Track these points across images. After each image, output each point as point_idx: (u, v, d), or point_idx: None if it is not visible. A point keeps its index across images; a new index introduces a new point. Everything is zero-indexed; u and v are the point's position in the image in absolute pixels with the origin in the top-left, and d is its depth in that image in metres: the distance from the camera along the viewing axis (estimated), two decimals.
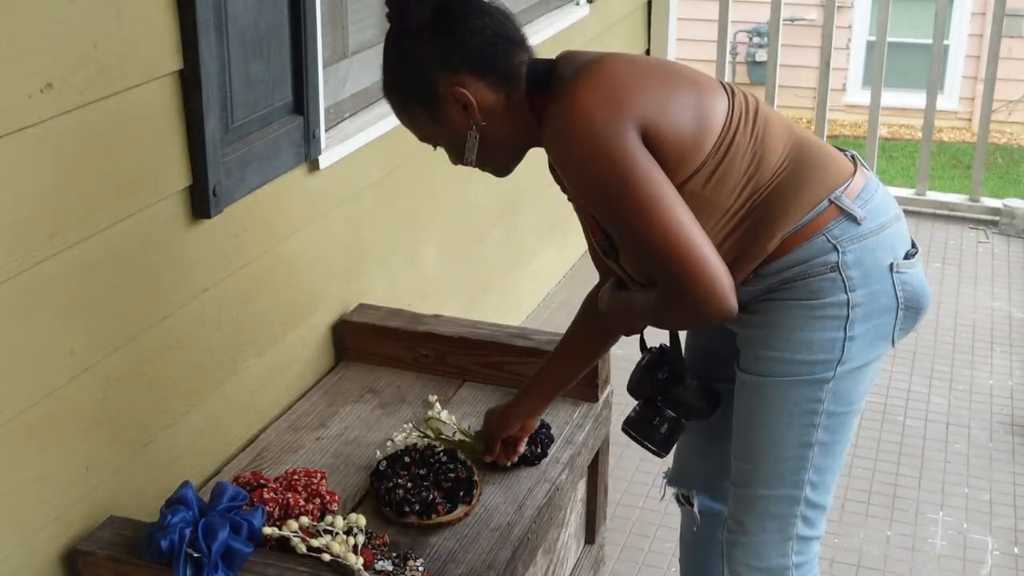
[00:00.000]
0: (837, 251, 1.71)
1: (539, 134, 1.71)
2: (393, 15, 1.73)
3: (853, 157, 1.83)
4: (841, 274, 1.71)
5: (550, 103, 1.68)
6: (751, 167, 1.70)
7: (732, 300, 1.62)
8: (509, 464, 2.15)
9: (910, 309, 1.78)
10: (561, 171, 1.68)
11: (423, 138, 1.80)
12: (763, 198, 1.71)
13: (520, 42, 1.74)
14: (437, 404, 2.29)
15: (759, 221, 1.71)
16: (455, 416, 2.28)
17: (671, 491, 2.16)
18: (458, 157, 1.79)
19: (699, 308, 1.62)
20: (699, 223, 1.63)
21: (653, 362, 1.91)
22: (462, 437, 2.19)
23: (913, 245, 1.81)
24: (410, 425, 2.24)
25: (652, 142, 1.63)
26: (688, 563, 2.22)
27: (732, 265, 1.71)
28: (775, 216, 1.71)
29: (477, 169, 1.82)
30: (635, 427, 1.90)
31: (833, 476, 1.84)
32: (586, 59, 1.70)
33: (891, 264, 1.74)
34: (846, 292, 1.72)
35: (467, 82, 1.69)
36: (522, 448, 2.15)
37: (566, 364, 2.07)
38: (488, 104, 1.71)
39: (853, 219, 1.72)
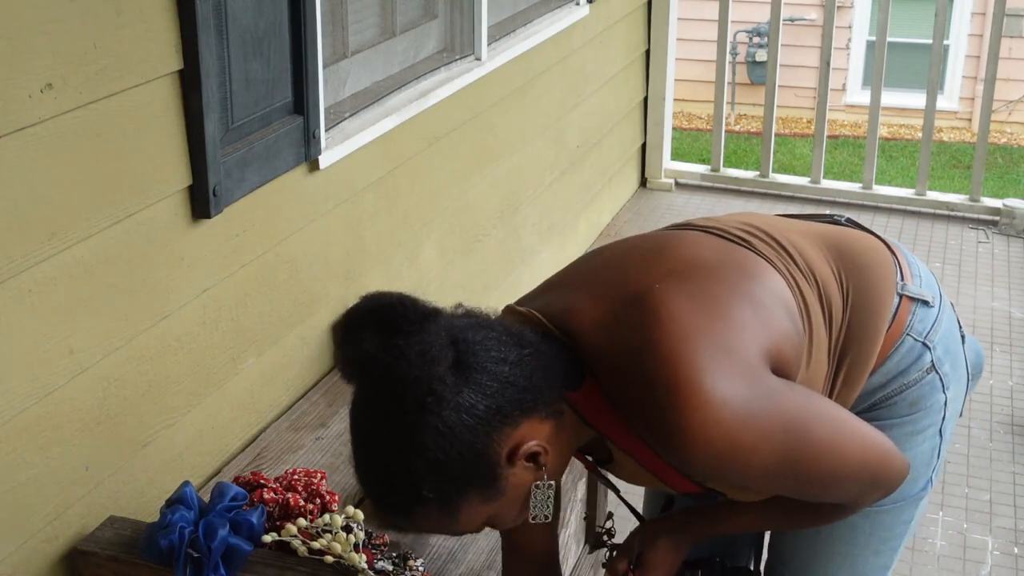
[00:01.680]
0: (928, 348, 1.50)
1: (588, 429, 1.37)
2: (409, 399, 1.21)
3: (876, 235, 1.61)
4: (938, 372, 1.51)
5: (621, 397, 1.31)
6: (826, 313, 1.45)
7: (904, 477, 1.42)
8: None
9: (975, 377, 1.63)
10: (733, 476, 1.33)
11: (463, 531, 1.32)
12: (845, 336, 1.46)
13: (531, 344, 1.31)
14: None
15: (854, 353, 1.47)
16: None
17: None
18: (508, 520, 1.35)
19: (892, 484, 1.42)
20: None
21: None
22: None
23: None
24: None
25: (779, 367, 1.34)
26: None
27: (846, 401, 1.50)
28: (865, 340, 1.47)
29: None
30: None
31: None
32: (632, 318, 1.30)
33: (962, 335, 1.57)
34: (943, 391, 1.52)
35: (530, 429, 1.28)
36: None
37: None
38: (549, 438, 1.31)
39: (926, 304, 1.51)
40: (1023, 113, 9.61)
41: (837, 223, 1.61)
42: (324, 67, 2.41)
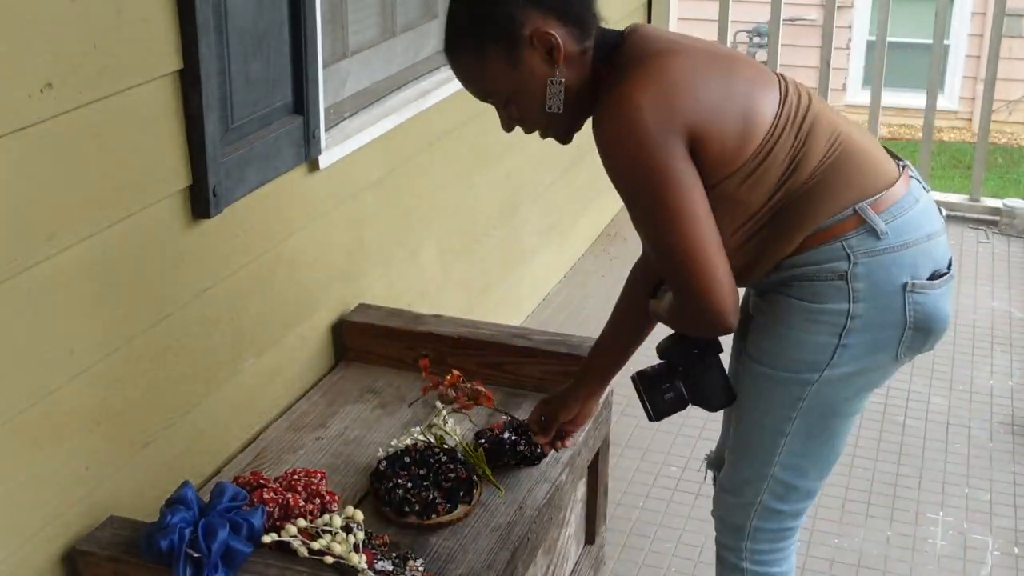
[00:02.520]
0: (849, 261, 1.71)
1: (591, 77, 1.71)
2: None
3: (903, 166, 1.81)
4: (848, 284, 1.71)
5: (609, 82, 1.66)
6: (787, 171, 1.70)
7: (732, 319, 1.66)
8: (557, 451, 2.16)
9: (919, 330, 1.77)
10: (603, 161, 1.66)
11: (489, 90, 1.71)
12: (792, 201, 1.71)
13: (596, 3, 1.73)
14: (444, 413, 2.26)
15: (784, 223, 1.72)
16: (454, 422, 2.27)
17: (710, 474, 2.20)
18: (528, 114, 1.72)
19: (702, 319, 1.68)
20: (723, 227, 1.66)
21: (693, 338, 1.87)
22: (464, 450, 2.17)
23: (949, 266, 1.80)
24: (418, 430, 2.23)
25: (696, 145, 1.63)
26: None
27: (752, 264, 1.76)
28: (800, 219, 1.71)
29: (535, 135, 1.78)
30: (644, 383, 1.89)
31: (813, 462, 1.88)
32: (650, 49, 1.67)
33: (905, 284, 1.73)
34: (849, 302, 1.72)
35: (553, 24, 1.65)
36: (578, 436, 2.14)
37: (619, 339, 2.03)
38: (569, 54, 1.67)
39: (874, 233, 1.71)
40: (1023, 113, 9.62)
41: (896, 158, 1.84)
42: (324, 67, 2.41)
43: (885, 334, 1.76)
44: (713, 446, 2.28)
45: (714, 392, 1.88)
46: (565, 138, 1.77)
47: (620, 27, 1.79)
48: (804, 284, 1.73)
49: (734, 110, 1.66)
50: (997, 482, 3.09)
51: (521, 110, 1.72)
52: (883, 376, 1.84)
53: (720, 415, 2.11)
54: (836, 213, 1.70)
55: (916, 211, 1.76)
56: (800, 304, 1.74)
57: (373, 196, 2.72)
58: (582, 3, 1.69)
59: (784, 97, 1.73)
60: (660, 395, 1.88)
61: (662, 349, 1.90)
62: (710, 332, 1.76)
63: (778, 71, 1.82)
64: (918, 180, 1.83)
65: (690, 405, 1.90)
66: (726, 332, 1.71)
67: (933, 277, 1.77)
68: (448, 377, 2.22)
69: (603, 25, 1.75)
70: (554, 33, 1.64)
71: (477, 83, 1.72)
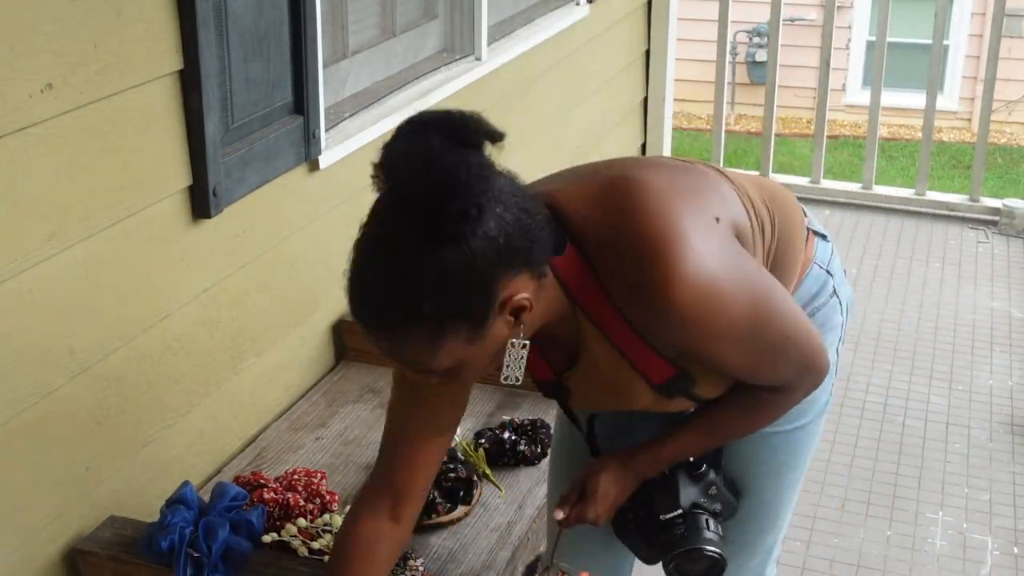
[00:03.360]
0: (830, 275, 1.65)
1: (567, 303, 1.40)
2: (442, 219, 1.22)
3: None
4: (838, 297, 1.66)
5: (599, 269, 1.37)
6: (762, 240, 1.54)
7: (827, 370, 1.53)
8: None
9: (849, 311, 1.72)
10: (705, 335, 1.37)
11: (428, 367, 1.33)
12: (772, 261, 1.56)
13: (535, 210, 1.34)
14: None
15: (780, 269, 1.58)
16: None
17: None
18: (470, 374, 1.39)
19: (810, 389, 1.53)
20: None
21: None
22: (463, 450, 2.16)
23: None
24: None
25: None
26: None
27: None
28: (791, 264, 1.60)
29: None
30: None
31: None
32: (614, 196, 1.38)
33: (845, 270, 1.70)
34: (841, 314, 1.67)
35: (525, 283, 1.30)
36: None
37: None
38: (535, 299, 1.33)
39: (824, 237, 1.68)
40: (1023, 113, 9.62)
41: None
42: (324, 67, 2.41)
43: (844, 329, 1.71)
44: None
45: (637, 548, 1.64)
46: (519, 382, 1.39)
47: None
48: (813, 319, 1.61)
49: (731, 201, 1.50)
50: (997, 482, 3.09)
51: (466, 375, 1.38)
52: None
53: None
54: (802, 242, 1.61)
55: None
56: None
57: (373, 196, 2.71)
58: (540, 235, 1.31)
59: (726, 178, 1.54)
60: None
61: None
62: (813, 391, 1.55)
63: (691, 160, 1.62)
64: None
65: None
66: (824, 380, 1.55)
67: None
68: None
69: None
70: (527, 295, 1.30)
71: (415, 359, 1.33)
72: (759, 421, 1.57)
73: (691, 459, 1.60)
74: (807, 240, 1.63)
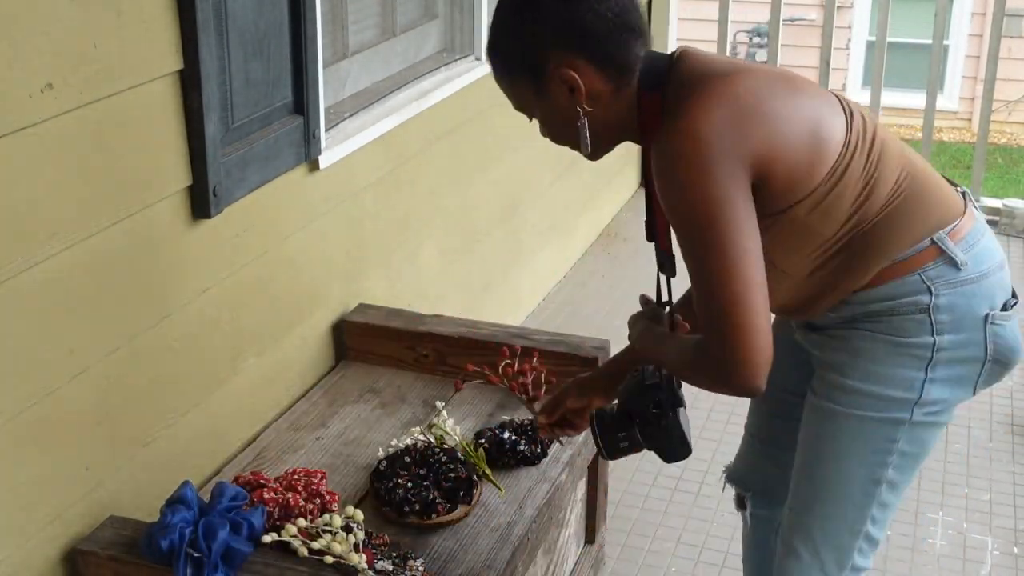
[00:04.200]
0: (931, 293, 1.66)
1: (637, 131, 1.65)
2: None
3: (964, 195, 1.76)
4: (931, 317, 1.66)
5: (664, 109, 1.60)
6: (861, 197, 1.63)
7: (760, 381, 1.52)
8: (549, 442, 2.16)
9: (998, 362, 1.73)
10: (658, 188, 1.57)
11: (520, 107, 1.70)
12: (866, 230, 1.65)
13: (641, 33, 1.63)
14: (444, 412, 2.28)
15: (857, 253, 1.66)
16: (454, 422, 2.28)
17: (731, 489, 2.13)
18: (559, 138, 1.70)
19: (729, 373, 1.52)
20: (792, 255, 1.65)
21: (655, 386, 1.77)
22: (464, 450, 2.17)
23: (1014, 295, 1.75)
24: (418, 429, 2.24)
25: (764, 172, 1.55)
26: (748, 566, 2.19)
27: (820, 295, 1.70)
28: (874, 251, 1.65)
29: (563, 145, 1.74)
30: (601, 426, 1.78)
31: (894, 512, 1.82)
32: (711, 71, 1.60)
33: (987, 315, 1.69)
34: (933, 335, 1.67)
35: (579, 66, 1.59)
36: (575, 432, 1.96)
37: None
38: (596, 92, 1.61)
39: (954, 263, 1.66)
40: (1023, 113, 9.62)
41: (953, 184, 1.79)
42: (324, 67, 2.41)
43: (967, 368, 1.71)
44: (728, 462, 2.16)
45: (671, 447, 1.75)
46: (593, 158, 1.73)
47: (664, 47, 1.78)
48: (884, 319, 1.67)
49: (803, 132, 1.59)
50: (997, 482, 3.09)
51: (550, 133, 1.71)
52: (952, 414, 1.78)
53: (724, 409, 2.08)
54: (913, 244, 1.65)
55: (987, 239, 1.72)
56: (883, 338, 1.68)
57: (373, 196, 2.72)
58: (617, 44, 1.60)
59: (851, 120, 1.65)
60: (616, 442, 1.77)
61: (623, 398, 1.79)
62: (730, 389, 1.55)
63: (837, 92, 1.75)
64: (976, 206, 1.78)
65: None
66: (749, 393, 1.54)
67: (1005, 307, 1.72)
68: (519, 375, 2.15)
69: (648, 47, 1.66)
70: (576, 75, 1.59)
71: (509, 97, 1.70)
72: (677, 359, 1.66)
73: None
74: (924, 250, 1.65)
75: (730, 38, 5.82)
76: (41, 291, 1.72)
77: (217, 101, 2.01)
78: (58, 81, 1.68)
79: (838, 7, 5.28)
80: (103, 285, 1.85)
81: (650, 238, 1.76)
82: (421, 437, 2.19)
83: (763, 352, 1.50)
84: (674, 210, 1.55)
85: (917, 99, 6.10)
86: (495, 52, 1.67)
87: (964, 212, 1.70)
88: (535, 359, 2.17)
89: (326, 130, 2.46)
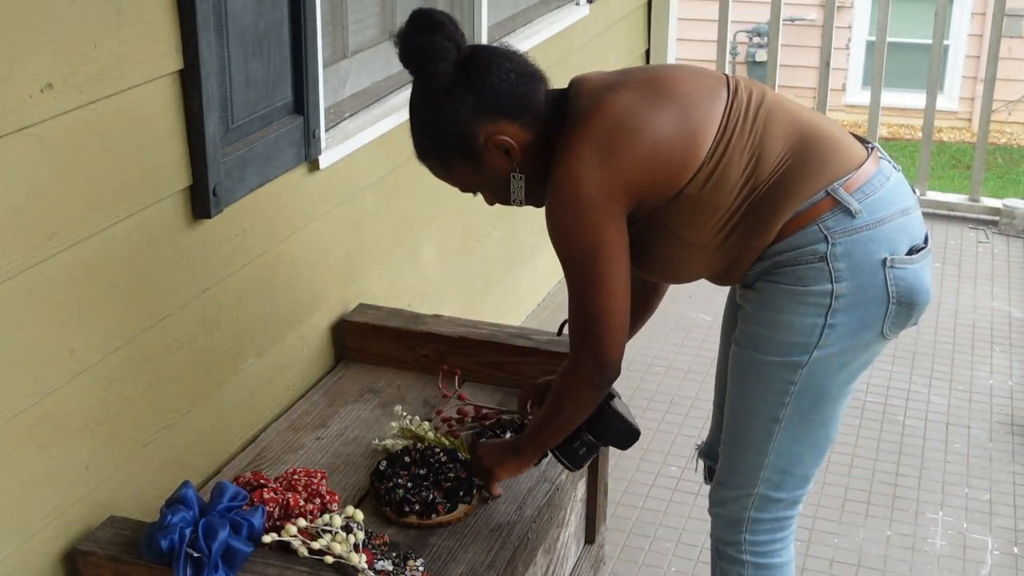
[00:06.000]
0: (827, 242, 1.76)
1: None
2: (419, 80, 1.78)
3: (871, 148, 1.87)
4: (828, 264, 1.76)
5: (557, 146, 1.77)
6: (749, 166, 1.77)
7: (615, 368, 1.82)
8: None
9: (903, 304, 1.81)
10: (547, 223, 1.79)
11: (466, 188, 1.88)
12: (762, 194, 1.77)
13: (540, 77, 1.83)
14: (399, 409, 2.30)
15: (759, 215, 1.78)
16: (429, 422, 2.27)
17: (701, 464, 2.26)
18: (503, 200, 1.87)
19: (590, 376, 1.82)
20: (698, 229, 1.79)
21: None
22: (463, 448, 2.17)
23: (926, 241, 1.84)
24: (395, 426, 2.25)
25: (641, 187, 1.75)
26: None
27: (736, 261, 1.82)
28: (774, 209, 1.77)
29: (516, 207, 1.90)
30: (558, 446, 1.96)
31: (808, 447, 1.90)
32: (587, 102, 1.77)
33: (884, 259, 1.78)
34: (831, 282, 1.77)
35: (504, 128, 1.77)
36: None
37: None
38: (525, 144, 1.79)
39: (848, 212, 1.76)
40: (1023, 113, 9.62)
41: (864, 141, 1.90)
42: (324, 67, 2.41)
43: (870, 311, 1.80)
44: (701, 439, 2.30)
45: (619, 436, 1.97)
46: (539, 204, 1.87)
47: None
48: (787, 270, 1.79)
49: (671, 131, 1.75)
50: (997, 482, 3.09)
51: (494, 197, 1.88)
52: (871, 355, 1.87)
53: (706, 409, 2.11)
54: (809, 197, 1.76)
55: (888, 188, 1.82)
56: (785, 288, 1.79)
57: (373, 196, 2.72)
58: (522, 91, 1.78)
59: (732, 96, 1.80)
60: (574, 451, 1.96)
61: None
62: (594, 385, 1.84)
63: (728, 72, 1.91)
64: (888, 160, 1.88)
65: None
66: (610, 381, 1.83)
67: (911, 252, 1.81)
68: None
69: (548, 86, 1.84)
70: (506, 136, 1.77)
71: (453, 184, 1.88)
72: (559, 407, 1.90)
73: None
74: (820, 202, 1.76)
75: (730, 38, 5.82)
76: (41, 291, 1.72)
77: (217, 101, 2.01)
78: (58, 81, 1.68)
79: (838, 7, 5.28)
80: (103, 285, 1.85)
81: None
82: (400, 443, 2.20)
83: (618, 348, 1.80)
84: (557, 243, 1.78)
85: (917, 99, 6.10)
86: (425, 151, 1.85)
87: (862, 164, 1.81)
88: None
89: (326, 130, 2.46)
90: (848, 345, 1.82)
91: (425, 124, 1.81)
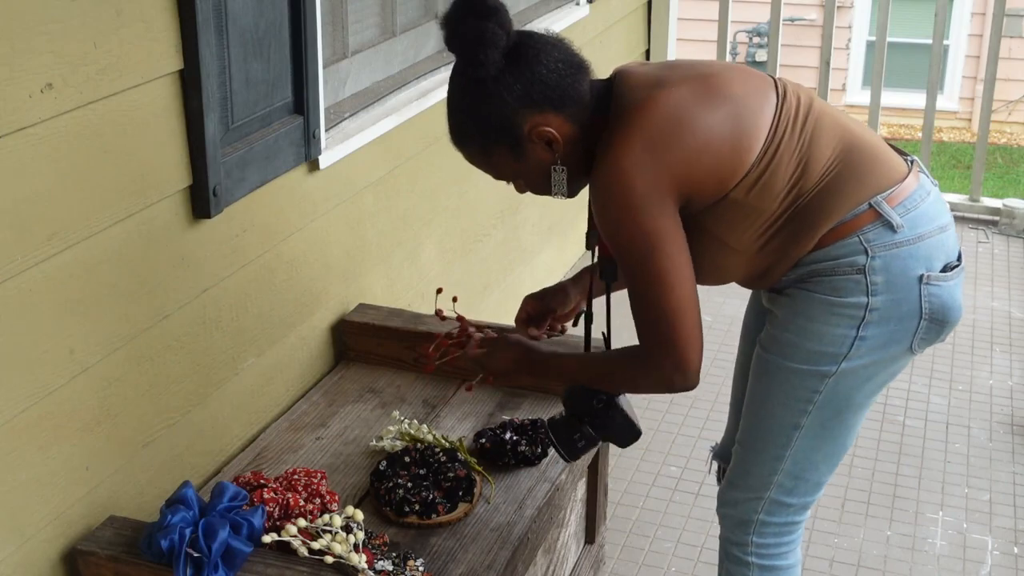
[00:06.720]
0: (867, 254, 1.76)
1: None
2: (467, 66, 1.73)
3: (912, 161, 1.87)
4: (866, 277, 1.76)
5: (603, 138, 1.74)
6: (796, 172, 1.76)
7: (696, 377, 1.74)
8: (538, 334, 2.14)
9: (934, 321, 1.81)
10: (597, 218, 1.75)
11: (500, 176, 1.85)
12: (807, 202, 1.76)
13: (586, 67, 1.79)
14: (396, 415, 2.31)
15: (801, 223, 1.77)
16: (457, 420, 2.27)
17: (715, 465, 2.27)
18: (538, 190, 1.84)
19: (666, 373, 1.74)
20: (741, 233, 1.77)
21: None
22: (460, 448, 2.17)
23: (959, 258, 1.84)
24: (395, 428, 2.25)
25: (690, 185, 1.71)
26: None
27: (773, 265, 1.81)
28: (816, 218, 1.76)
29: (548, 196, 1.86)
30: (556, 432, 1.94)
31: (824, 455, 1.91)
32: (634, 97, 1.74)
33: (921, 275, 1.77)
34: (867, 295, 1.77)
35: (550, 119, 1.74)
36: (558, 326, 2.15)
37: None
38: (568, 136, 1.76)
39: (890, 226, 1.76)
40: (1023, 113, 9.62)
41: (903, 154, 1.89)
42: (324, 67, 2.41)
43: (901, 326, 1.80)
44: (716, 441, 2.31)
45: (621, 434, 1.94)
46: (572, 195, 1.86)
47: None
48: (823, 279, 1.78)
49: (723, 132, 1.72)
50: (997, 482, 3.09)
51: (529, 186, 1.85)
52: (897, 368, 1.87)
53: (724, 410, 2.12)
54: (852, 209, 1.75)
55: (928, 204, 1.81)
56: (820, 298, 1.79)
57: (373, 196, 2.72)
58: (570, 82, 1.75)
59: (781, 101, 1.78)
60: (573, 444, 1.94)
61: (567, 400, 1.94)
62: (670, 390, 1.77)
63: (777, 75, 1.88)
64: (926, 174, 1.88)
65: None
66: (687, 388, 1.75)
67: (945, 269, 1.81)
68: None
69: (592, 76, 1.81)
70: (550, 128, 1.74)
71: (487, 171, 1.85)
72: (610, 376, 1.85)
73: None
74: (862, 214, 1.75)
75: (730, 38, 5.82)
76: (41, 291, 1.72)
77: (217, 101, 2.01)
78: (58, 81, 1.68)
79: (838, 7, 5.28)
80: (103, 285, 1.85)
81: (590, 247, 1.95)
82: (399, 443, 2.20)
83: (696, 355, 1.73)
84: (612, 240, 1.74)
85: (917, 99, 6.10)
86: (464, 137, 1.80)
87: (905, 178, 1.80)
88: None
89: (326, 130, 2.46)
90: (877, 358, 1.81)
91: (468, 110, 1.76)
